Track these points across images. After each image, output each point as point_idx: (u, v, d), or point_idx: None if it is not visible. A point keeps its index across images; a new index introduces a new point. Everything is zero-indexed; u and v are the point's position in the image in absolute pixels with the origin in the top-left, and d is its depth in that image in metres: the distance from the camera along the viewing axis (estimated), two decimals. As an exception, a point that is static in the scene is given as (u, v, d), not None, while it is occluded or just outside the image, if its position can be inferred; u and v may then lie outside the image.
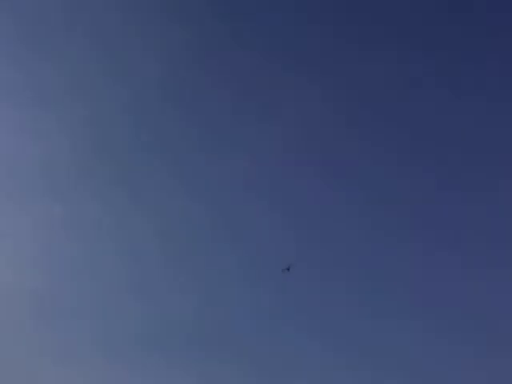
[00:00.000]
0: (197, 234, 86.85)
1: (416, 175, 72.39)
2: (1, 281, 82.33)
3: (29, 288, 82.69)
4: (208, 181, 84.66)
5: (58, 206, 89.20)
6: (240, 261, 79.83)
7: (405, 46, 75.09)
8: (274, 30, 78.17)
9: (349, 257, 69.68)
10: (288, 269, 52.34)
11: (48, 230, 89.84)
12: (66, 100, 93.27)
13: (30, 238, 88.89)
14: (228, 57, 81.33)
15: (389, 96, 76.18)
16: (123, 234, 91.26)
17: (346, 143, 75.66)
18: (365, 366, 61.98)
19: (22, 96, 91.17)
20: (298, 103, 77.77)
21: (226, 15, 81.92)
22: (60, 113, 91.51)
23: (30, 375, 72.77)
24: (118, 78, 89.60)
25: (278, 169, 75.94)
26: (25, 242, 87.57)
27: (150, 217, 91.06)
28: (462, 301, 60.39)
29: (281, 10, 78.58)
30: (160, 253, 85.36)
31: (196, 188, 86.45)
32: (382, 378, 57.99)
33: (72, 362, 72.56)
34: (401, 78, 76.84)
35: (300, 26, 76.90)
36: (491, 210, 67.21)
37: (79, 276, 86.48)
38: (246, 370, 68.22)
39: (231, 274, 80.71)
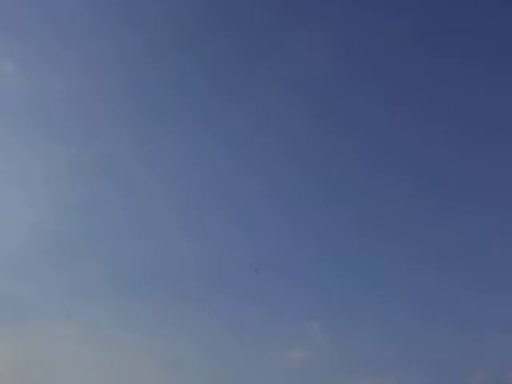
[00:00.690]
0: (202, 181, 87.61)
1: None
2: (20, 220, 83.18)
3: (46, 227, 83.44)
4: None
5: (73, 147, 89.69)
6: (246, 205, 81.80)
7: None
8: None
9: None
10: (256, 270, 56.92)
11: (64, 171, 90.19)
12: (90, 40, 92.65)
13: (47, 178, 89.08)
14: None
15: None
16: (136, 176, 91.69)
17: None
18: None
19: (44, 35, 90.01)
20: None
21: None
22: (83, 53, 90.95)
23: (46, 309, 73.88)
24: (139, 20, 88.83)
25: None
26: (41, 182, 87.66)
27: (161, 160, 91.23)
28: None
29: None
30: (168, 196, 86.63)
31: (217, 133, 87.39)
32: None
33: (86, 296, 73.98)
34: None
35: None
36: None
37: (93, 215, 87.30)
38: (244, 305, 70.47)
39: (234, 223, 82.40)
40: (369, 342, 66.76)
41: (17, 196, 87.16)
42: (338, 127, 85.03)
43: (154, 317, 71.00)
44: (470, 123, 72.98)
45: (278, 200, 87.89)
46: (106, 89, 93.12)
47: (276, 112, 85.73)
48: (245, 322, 73.05)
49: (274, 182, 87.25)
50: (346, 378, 65.78)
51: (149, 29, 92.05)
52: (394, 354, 64.96)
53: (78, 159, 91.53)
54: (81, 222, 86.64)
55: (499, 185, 65.98)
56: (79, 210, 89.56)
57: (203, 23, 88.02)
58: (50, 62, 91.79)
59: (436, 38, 73.75)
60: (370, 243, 73.11)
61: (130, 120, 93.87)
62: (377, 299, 69.70)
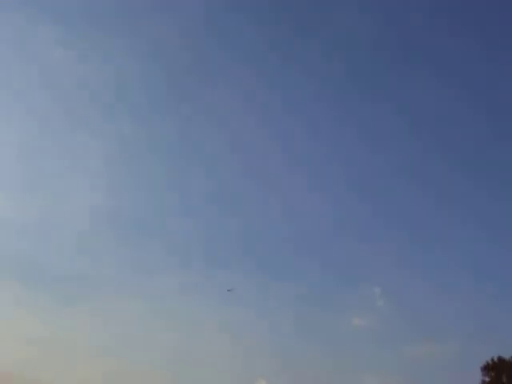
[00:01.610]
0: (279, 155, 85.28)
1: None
2: (84, 202, 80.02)
3: (105, 206, 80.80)
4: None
5: (127, 127, 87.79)
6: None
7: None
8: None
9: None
10: (230, 290, 59.82)
11: (119, 151, 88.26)
12: (134, 26, 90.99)
13: (103, 159, 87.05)
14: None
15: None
16: (186, 155, 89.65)
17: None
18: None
19: (90, 21, 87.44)
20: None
21: None
22: (130, 38, 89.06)
23: (115, 286, 70.96)
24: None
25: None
26: (98, 163, 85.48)
27: (221, 133, 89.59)
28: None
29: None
30: (209, 182, 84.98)
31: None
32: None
33: (147, 271, 71.53)
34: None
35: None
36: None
37: (151, 194, 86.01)
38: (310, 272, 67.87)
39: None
40: (431, 308, 64.03)
41: (80, 178, 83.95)
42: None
43: (221, 289, 68.59)
44: None
45: (350, 173, 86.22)
46: (151, 70, 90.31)
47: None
48: (310, 287, 70.58)
49: (344, 156, 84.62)
50: (407, 343, 63.00)
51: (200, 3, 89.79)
52: (456, 319, 62.05)
53: (131, 139, 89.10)
54: (140, 201, 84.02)
55: None
56: (137, 189, 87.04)
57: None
58: (98, 47, 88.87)
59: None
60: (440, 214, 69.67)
61: (170, 101, 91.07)
62: (439, 264, 66.97)
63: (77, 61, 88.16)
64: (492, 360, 48.50)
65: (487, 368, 48.39)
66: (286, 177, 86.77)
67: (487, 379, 48.14)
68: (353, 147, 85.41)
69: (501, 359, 48.45)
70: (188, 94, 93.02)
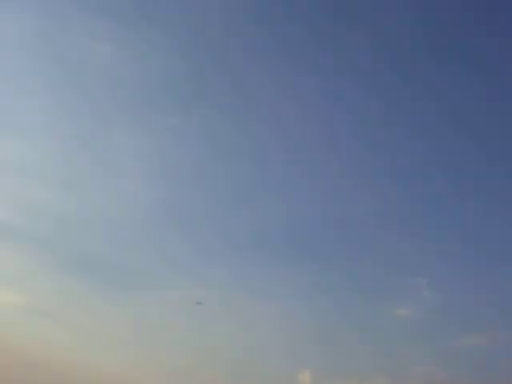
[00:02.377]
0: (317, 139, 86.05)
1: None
2: (126, 192, 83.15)
3: (154, 198, 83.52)
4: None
5: (174, 118, 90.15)
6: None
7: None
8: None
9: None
10: (199, 303, 61.41)
11: (166, 142, 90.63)
12: (174, 18, 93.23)
13: (150, 150, 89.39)
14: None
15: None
16: (234, 144, 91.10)
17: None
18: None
19: (134, 16, 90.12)
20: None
21: None
22: (171, 30, 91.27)
23: (164, 278, 73.39)
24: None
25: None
26: (145, 154, 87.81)
27: (270, 125, 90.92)
28: None
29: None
30: (257, 170, 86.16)
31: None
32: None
33: (203, 263, 73.55)
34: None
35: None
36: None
37: (196, 185, 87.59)
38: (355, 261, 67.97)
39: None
40: (478, 301, 62.95)
41: (132, 172, 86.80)
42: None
43: (268, 279, 69.84)
44: None
45: (394, 162, 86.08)
46: (197, 60, 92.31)
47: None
48: (353, 277, 70.79)
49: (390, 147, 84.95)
50: (453, 336, 62.32)
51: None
52: (506, 311, 60.81)
53: (180, 130, 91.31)
54: (191, 192, 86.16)
55: None
56: (188, 181, 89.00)
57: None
58: (143, 41, 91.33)
59: None
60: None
61: (216, 89, 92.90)
62: (488, 255, 65.97)
63: (127, 56, 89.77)
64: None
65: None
66: (329, 164, 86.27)
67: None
68: (397, 137, 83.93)
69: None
70: (235, 84, 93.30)
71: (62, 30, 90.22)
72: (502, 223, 65.57)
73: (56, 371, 61.49)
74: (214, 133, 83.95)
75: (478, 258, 64.69)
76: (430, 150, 79.86)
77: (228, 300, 68.60)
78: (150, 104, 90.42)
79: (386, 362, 59.13)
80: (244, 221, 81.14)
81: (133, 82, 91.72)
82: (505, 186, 69.38)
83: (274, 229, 78.36)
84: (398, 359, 58.97)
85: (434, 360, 57.80)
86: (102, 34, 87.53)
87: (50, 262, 77.50)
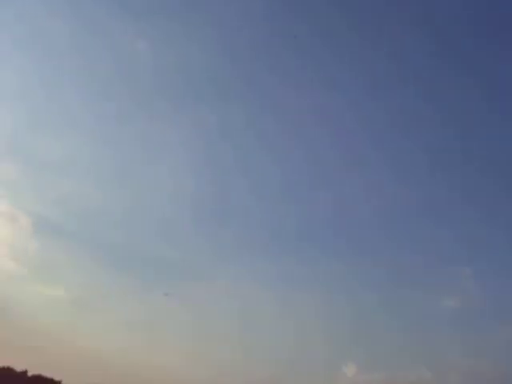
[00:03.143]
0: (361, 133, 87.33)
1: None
2: (173, 186, 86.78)
3: (200, 190, 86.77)
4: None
5: (212, 115, 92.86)
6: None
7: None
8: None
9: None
10: (167, 294, 65.31)
11: (205, 138, 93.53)
12: (214, 13, 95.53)
13: (189, 146, 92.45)
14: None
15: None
16: (279, 135, 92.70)
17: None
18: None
19: (168, 13, 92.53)
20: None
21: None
22: (200, 29, 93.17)
23: (199, 271, 76.17)
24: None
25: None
26: (184, 150, 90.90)
27: (316, 118, 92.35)
28: None
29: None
30: (303, 161, 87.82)
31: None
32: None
33: (249, 253, 76.10)
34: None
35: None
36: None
37: (237, 180, 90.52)
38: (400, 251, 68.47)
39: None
40: None
41: (160, 166, 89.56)
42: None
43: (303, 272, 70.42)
44: None
45: (433, 152, 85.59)
46: (235, 54, 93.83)
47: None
48: (400, 267, 71.01)
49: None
50: (499, 325, 61.55)
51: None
52: None
53: (222, 122, 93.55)
54: (237, 184, 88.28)
55: None
56: (234, 172, 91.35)
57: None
58: (180, 36, 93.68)
59: None
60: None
61: (257, 83, 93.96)
62: None
63: (154, 53, 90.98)
64: None
65: None
66: (370, 155, 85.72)
67: None
68: (434, 131, 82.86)
69: None
70: (256, 81, 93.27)
71: (100, 30, 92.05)
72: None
73: (102, 360, 63.30)
74: (259, 125, 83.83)
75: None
76: (468, 141, 78.28)
77: (273, 292, 69.24)
78: (190, 97, 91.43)
79: (429, 354, 58.66)
80: (290, 212, 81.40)
81: (172, 76, 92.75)
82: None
83: (320, 221, 78.44)
84: (441, 351, 58.45)
85: (478, 351, 57.00)
86: (139, 32, 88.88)
87: (97, 257, 79.41)
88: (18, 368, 66.83)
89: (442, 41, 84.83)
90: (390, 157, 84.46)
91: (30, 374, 68.02)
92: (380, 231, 74.74)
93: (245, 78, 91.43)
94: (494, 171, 74.70)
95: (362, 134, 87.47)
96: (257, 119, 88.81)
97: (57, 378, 69.21)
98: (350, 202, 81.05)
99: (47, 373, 67.60)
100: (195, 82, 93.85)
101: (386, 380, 60.68)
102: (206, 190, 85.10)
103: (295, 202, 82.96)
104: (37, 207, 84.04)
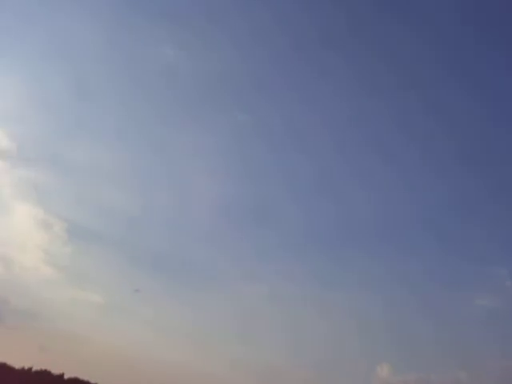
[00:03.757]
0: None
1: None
2: (203, 192, 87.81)
3: (234, 193, 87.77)
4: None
5: (243, 115, 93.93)
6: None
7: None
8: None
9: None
10: (137, 290, 66.89)
11: (242, 142, 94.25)
12: (233, 19, 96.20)
13: (220, 147, 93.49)
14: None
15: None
16: (308, 140, 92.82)
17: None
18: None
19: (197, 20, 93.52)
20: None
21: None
22: (232, 32, 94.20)
23: (237, 272, 76.73)
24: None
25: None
26: (214, 151, 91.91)
27: (348, 115, 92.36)
28: None
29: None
30: (336, 160, 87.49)
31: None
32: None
33: (269, 258, 76.42)
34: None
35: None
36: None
37: (274, 182, 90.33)
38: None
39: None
40: None
41: (199, 170, 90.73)
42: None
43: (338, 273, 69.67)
44: None
45: (468, 149, 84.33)
46: (255, 58, 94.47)
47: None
48: (436, 267, 69.92)
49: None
50: None
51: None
52: None
53: (257, 126, 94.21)
54: (269, 186, 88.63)
55: None
56: (264, 175, 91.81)
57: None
58: (203, 41, 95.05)
59: None
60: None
61: (274, 86, 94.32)
62: None
63: (188, 57, 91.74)
64: None
65: None
66: (404, 153, 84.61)
67: None
68: (470, 124, 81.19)
69: None
70: (292, 82, 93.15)
71: (127, 36, 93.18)
72: None
73: (134, 364, 63.87)
74: (295, 125, 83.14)
75: None
76: (504, 137, 76.42)
77: (309, 294, 68.77)
78: (213, 102, 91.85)
79: (466, 355, 57.39)
80: (327, 212, 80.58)
81: (195, 81, 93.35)
82: None
83: (356, 220, 77.50)
84: (477, 351, 57.11)
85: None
86: (164, 37, 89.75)
87: (130, 262, 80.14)
88: (55, 371, 68.13)
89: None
90: (425, 151, 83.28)
91: (66, 377, 69.23)
92: (418, 231, 73.45)
93: (282, 79, 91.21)
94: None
95: (398, 132, 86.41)
96: (294, 120, 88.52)
97: (93, 381, 70.28)
98: (387, 202, 79.93)
99: (83, 376, 68.76)
100: (230, 85, 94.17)
101: (420, 381, 59.70)
102: (243, 193, 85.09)
103: (333, 201, 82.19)
104: (70, 213, 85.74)
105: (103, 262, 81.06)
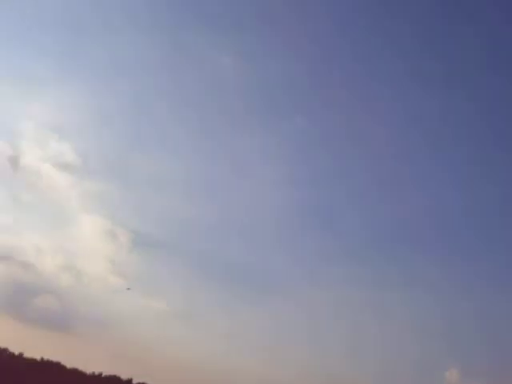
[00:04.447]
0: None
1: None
2: (254, 197, 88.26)
3: (296, 198, 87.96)
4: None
5: (300, 118, 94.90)
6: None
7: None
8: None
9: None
10: (128, 288, 53.83)
11: (294, 142, 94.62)
12: (290, 26, 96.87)
13: (282, 152, 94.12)
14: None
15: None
16: (368, 144, 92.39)
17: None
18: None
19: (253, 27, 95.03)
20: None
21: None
22: (291, 39, 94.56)
23: (307, 279, 76.28)
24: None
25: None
26: (278, 156, 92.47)
27: (406, 117, 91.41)
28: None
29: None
30: (396, 163, 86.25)
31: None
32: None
33: (347, 257, 75.74)
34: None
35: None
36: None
37: (335, 183, 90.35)
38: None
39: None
40: None
41: (263, 173, 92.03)
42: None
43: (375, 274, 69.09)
44: None
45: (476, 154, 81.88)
46: (312, 64, 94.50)
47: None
48: (492, 268, 67.38)
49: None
50: None
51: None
52: None
53: (303, 132, 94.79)
54: (331, 191, 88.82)
55: None
56: (325, 179, 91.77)
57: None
58: (260, 49, 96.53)
59: None
60: None
61: (332, 90, 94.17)
62: None
63: (246, 66, 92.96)
64: None
65: None
66: (457, 153, 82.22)
67: None
68: (480, 129, 78.32)
69: None
70: (348, 87, 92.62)
71: (187, 48, 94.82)
72: None
73: (202, 370, 64.65)
74: (330, 137, 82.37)
75: None
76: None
77: (372, 298, 67.61)
78: (273, 108, 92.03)
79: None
80: (387, 214, 78.83)
81: (254, 89, 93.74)
82: None
83: (416, 222, 75.45)
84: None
85: None
86: (223, 48, 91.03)
87: (194, 270, 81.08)
88: (124, 377, 70.09)
89: None
90: (475, 152, 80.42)
91: (134, 382, 71.05)
92: (472, 230, 70.90)
93: (323, 88, 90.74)
94: None
95: (453, 136, 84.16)
96: (354, 125, 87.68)
97: (160, 387, 71.55)
98: (445, 201, 77.69)
99: (151, 382, 70.29)
100: (277, 93, 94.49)
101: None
102: (306, 198, 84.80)
103: (393, 202, 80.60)
104: (134, 223, 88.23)
105: (168, 270, 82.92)
